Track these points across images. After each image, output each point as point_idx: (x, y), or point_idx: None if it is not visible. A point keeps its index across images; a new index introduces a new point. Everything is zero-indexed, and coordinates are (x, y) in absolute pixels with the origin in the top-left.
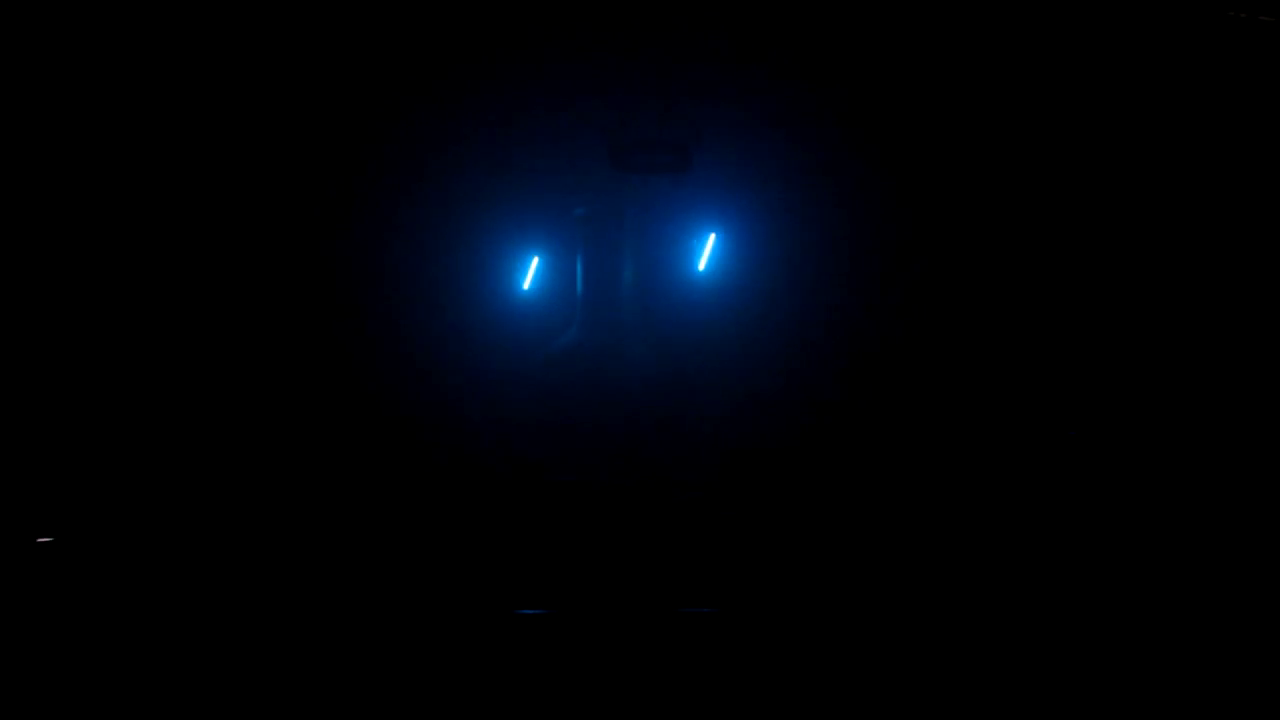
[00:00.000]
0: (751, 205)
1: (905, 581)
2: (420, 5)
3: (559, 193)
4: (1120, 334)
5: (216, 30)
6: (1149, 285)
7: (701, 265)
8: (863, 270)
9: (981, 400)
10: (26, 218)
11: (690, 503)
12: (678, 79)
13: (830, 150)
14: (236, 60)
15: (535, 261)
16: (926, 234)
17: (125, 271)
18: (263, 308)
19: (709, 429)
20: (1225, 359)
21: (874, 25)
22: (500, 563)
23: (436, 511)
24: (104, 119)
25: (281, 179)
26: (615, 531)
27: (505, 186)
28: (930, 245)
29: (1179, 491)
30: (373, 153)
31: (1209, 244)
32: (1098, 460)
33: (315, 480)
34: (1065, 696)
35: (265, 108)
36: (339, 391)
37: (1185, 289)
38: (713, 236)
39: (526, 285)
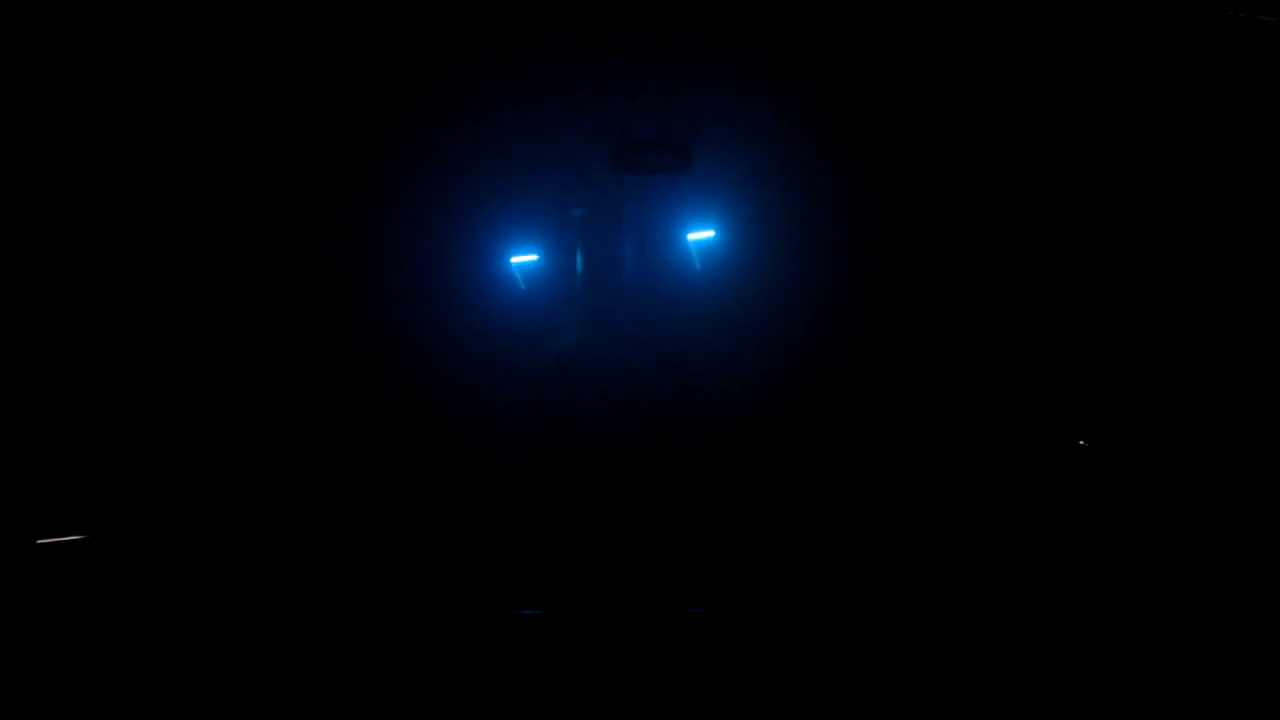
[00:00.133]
0: (751, 204)
1: (904, 582)
2: (420, 5)
3: (558, 193)
4: (1119, 334)
5: (216, 30)
6: (1149, 286)
7: (698, 265)
8: (863, 270)
9: (981, 401)
10: (26, 219)
11: (689, 503)
12: (678, 79)
13: (830, 149)
14: (235, 60)
15: (535, 262)
16: (926, 234)
17: (123, 272)
18: (261, 307)
19: (708, 428)
20: (1225, 360)
21: (874, 25)
22: (499, 562)
23: (435, 511)
24: (97, 119)
25: (279, 178)
26: (614, 531)
27: (505, 186)
28: (930, 245)
29: (1178, 492)
30: (371, 152)
31: (1209, 244)
32: (1096, 461)
33: (313, 479)
34: (1065, 696)
35: (264, 107)
36: (337, 391)
37: (1185, 289)
38: (712, 235)
39: (524, 285)
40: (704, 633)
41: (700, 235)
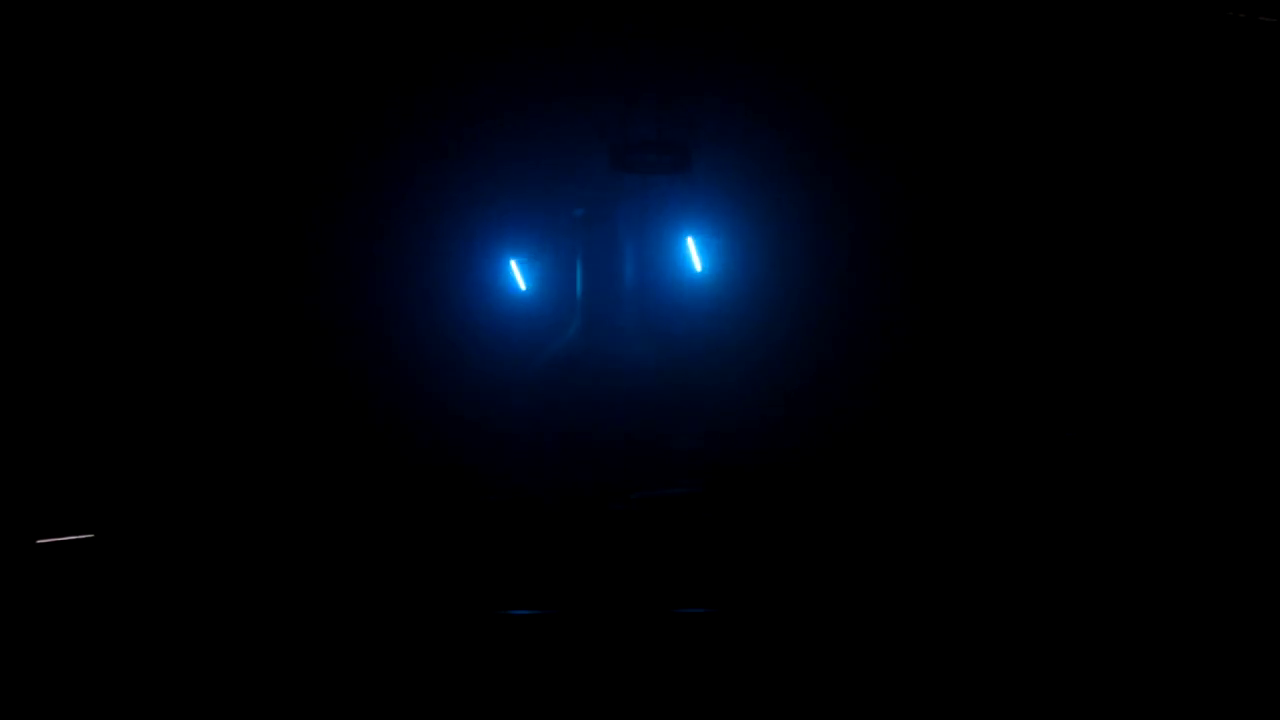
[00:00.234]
0: (751, 204)
1: (903, 582)
2: (420, 5)
3: (558, 193)
4: (1119, 335)
5: (214, 29)
6: (1148, 286)
7: (699, 266)
8: (862, 270)
9: (980, 400)
10: (26, 221)
11: (689, 502)
12: (678, 79)
13: (831, 149)
14: (234, 59)
15: (535, 262)
16: (926, 233)
17: (120, 274)
18: (260, 309)
19: (708, 428)
20: (1225, 359)
21: (875, 25)
22: (498, 563)
23: (434, 512)
24: (95, 120)
25: (279, 179)
26: (614, 531)
27: (504, 187)
28: (930, 244)
29: (1178, 492)
30: (371, 153)
31: (1209, 244)
32: (1095, 461)
33: (312, 480)
34: (1065, 696)
35: (264, 108)
36: (337, 391)
37: (1185, 289)
38: (712, 236)
39: (524, 285)
40: (704, 633)
41: (700, 236)
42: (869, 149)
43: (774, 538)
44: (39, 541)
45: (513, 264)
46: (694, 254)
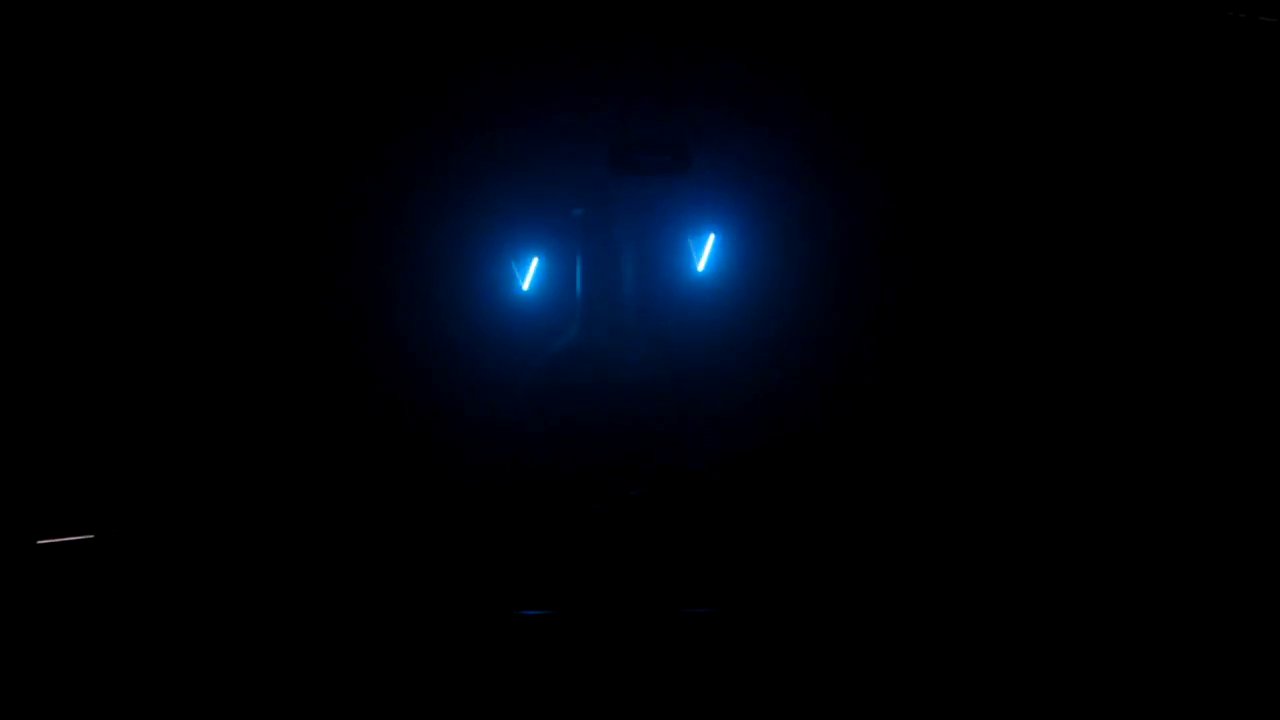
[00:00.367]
0: (751, 205)
1: (903, 581)
2: (420, 6)
3: (558, 193)
4: (1119, 335)
5: (215, 31)
6: (1148, 286)
7: (701, 265)
8: (862, 269)
9: (980, 400)
10: (32, 221)
11: (688, 502)
12: (677, 79)
13: (831, 149)
14: (233, 59)
15: (535, 262)
16: (927, 234)
17: (121, 273)
18: (260, 309)
19: (709, 428)
20: (1224, 359)
21: (875, 25)
22: (500, 563)
23: (434, 512)
24: (100, 123)
25: (278, 179)
26: (614, 531)
27: (504, 187)
28: (931, 245)
29: (1177, 492)
30: (370, 153)
31: (1208, 244)
32: (1095, 461)
33: (312, 482)
34: (1065, 696)
35: (264, 109)
36: (337, 392)
37: (1184, 290)
38: (712, 236)
39: (525, 285)
40: (704, 633)
41: (700, 236)
42: (869, 149)
43: (773, 537)
44: (39, 542)
45: (512, 264)
46: (694, 254)
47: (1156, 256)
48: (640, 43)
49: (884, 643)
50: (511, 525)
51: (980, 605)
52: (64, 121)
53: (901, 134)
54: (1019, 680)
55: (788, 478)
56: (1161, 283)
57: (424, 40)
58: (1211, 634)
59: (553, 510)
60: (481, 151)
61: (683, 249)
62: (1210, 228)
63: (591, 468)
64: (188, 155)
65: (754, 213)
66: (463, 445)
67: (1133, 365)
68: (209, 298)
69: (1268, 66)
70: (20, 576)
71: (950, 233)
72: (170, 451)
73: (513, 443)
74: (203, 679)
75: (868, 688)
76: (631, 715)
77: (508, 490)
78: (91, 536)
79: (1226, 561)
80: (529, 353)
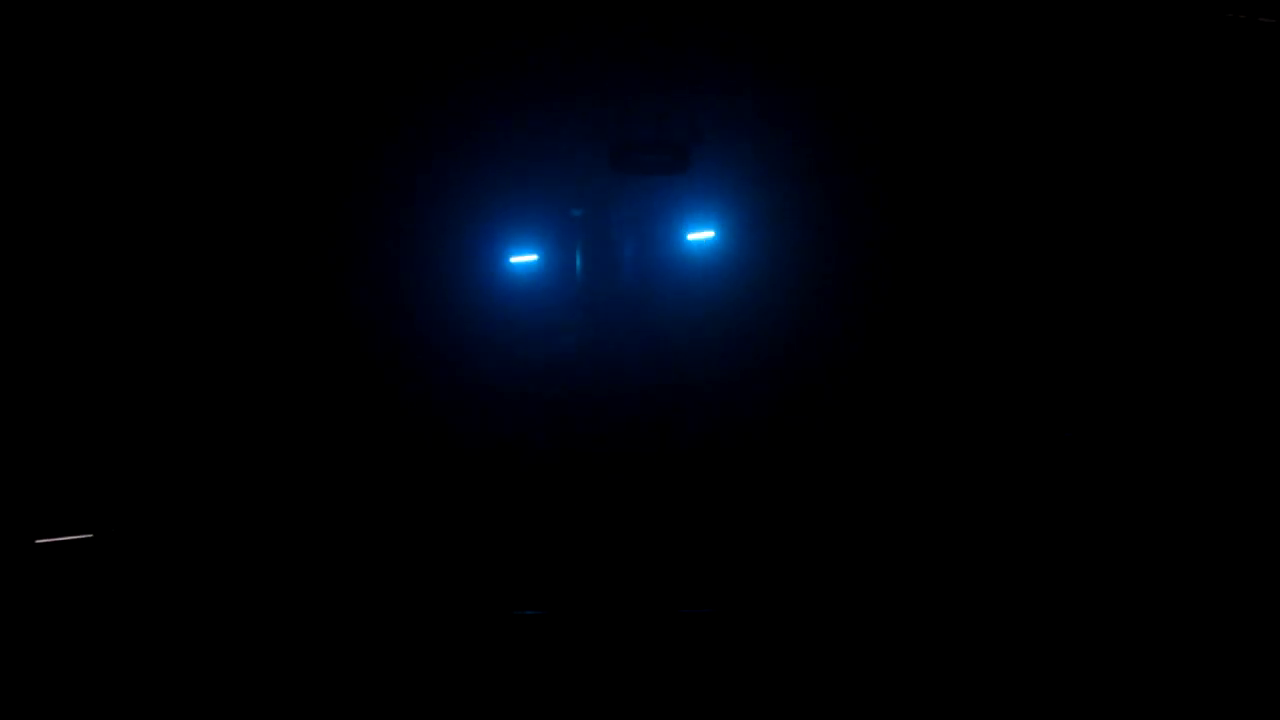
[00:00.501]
0: (751, 205)
1: (902, 581)
2: (420, 5)
3: (557, 193)
4: (1119, 335)
5: (215, 30)
6: (1148, 286)
7: (698, 266)
8: (862, 269)
9: (979, 400)
10: (33, 221)
11: (688, 502)
12: (678, 79)
13: (830, 149)
14: (235, 60)
15: (535, 262)
16: (926, 233)
17: (121, 273)
18: (260, 309)
19: (708, 428)
20: (1224, 360)
21: (875, 24)
22: (498, 562)
23: (434, 511)
24: (98, 123)
25: (278, 179)
26: (613, 531)
27: (505, 186)
28: (930, 244)
29: (1177, 492)
30: (370, 153)
31: (1208, 245)
32: (1094, 461)
33: (312, 479)
34: (1064, 697)
35: (264, 108)
36: (337, 391)
37: (1184, 290)
38: (711, 236)
39: (523, 285)
40: (702, 633)
41: (699, 236)
42: (869, 148)
43: (773, 536)
44: (38, 541)
45: (512, 264)
46: (693, 254)
47: (1156, 257)
48: (641, 42)
49: (883, 643)
50: (508, 524)
51: (979, 604)
52: (65, 123)
53: (903, 134)
54: (1019, 680)
55: (786, 477)
56: (1161, 283)
57: (424, 41)
58: (1211, 634)
59: (550, 509)
60: (481, 152)
61: (682, 248)
62: (1210, 228)
63: (589, 467)
64: (189, 155)
65: (753, 213)
66: (461, 445)
67: (1132, 366)
68: (207, 298)
69: (1267, 68)
70: (19, 576)
71: (950, 234)
72: (169, 451)
73: (510, 441)
74: (202, 677)
75: (867, 687)
76: (631, 715)
77: (505, 489)
78: (90, 536)
79: (1226, 562)
80: (527, 352)
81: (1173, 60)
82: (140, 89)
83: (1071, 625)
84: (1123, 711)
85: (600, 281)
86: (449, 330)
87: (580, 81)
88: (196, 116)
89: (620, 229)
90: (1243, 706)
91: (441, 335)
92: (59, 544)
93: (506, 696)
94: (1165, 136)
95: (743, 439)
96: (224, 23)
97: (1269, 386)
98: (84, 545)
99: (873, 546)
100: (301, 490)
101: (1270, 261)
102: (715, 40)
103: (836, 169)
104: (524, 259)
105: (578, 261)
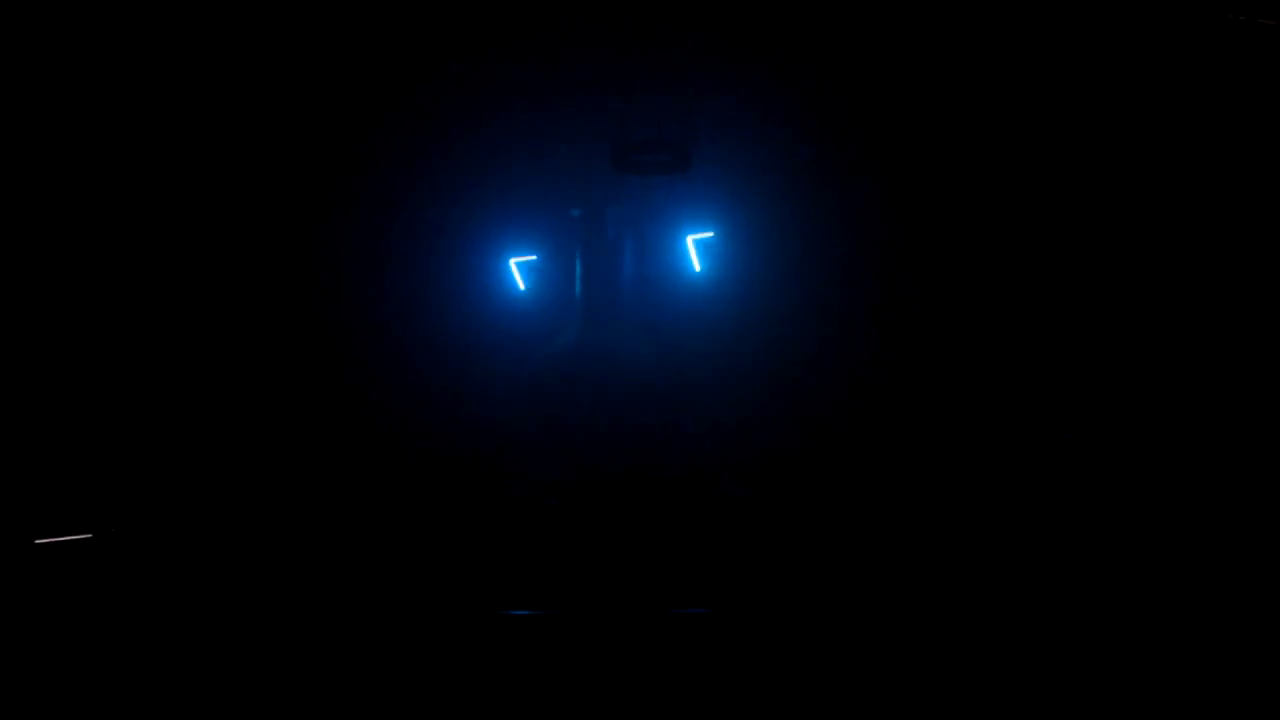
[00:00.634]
0: (751, 205)
1: (902, 581)
2: (420, 4)
3: (558, 193)
4: (1118, 336)
5: (215, 29)
6: (1148, 287)
7: (698, 266)
8: (862, 270)
9: (980, 401)
10: (27, 223)
11: (687, 503)
12: (678, 79)
13: (831, 149)
14: (234, 59)
15: (535, 262)
16: (926, 234)
17: (121, 273)
18: (260, 309)
19: (708, 428)
20: (1223, 361)
21: (876, 24)
22: (498, 563)
23: (434, 512)
24: (97, 122)
25: (278, 179)
26: (612, 531)
27: (505, 186)
28: (930, 245)
29: (1176, 493)
30: (371, 153)
31: (1208, 245)
32: (1093, 462)
33: (311, 480)
34: (1064, 697)
35: (263, 108)
36: (336, 391)
37: (1184, 291)
38: (712, 236)
39: (522, 285)
40: (701, 634)
41: (700, 236)
42: (869, 148)
43: (772, 536)
44: (37, 541)
45: (513, 264)
46: (693, 254)
47: (1156, 258)
48: (641, 42)
49: (882, 643)
50: (507, 525)
51: (979, 605)
52: (63, 124)
53: (903, 134)
54: (1018, 680)
55: (786, 478)
56: (1161, 284)
57: (424, 41)
58: (1211, 634)
59: (549, 509)
60: (482, 152)
61: (682, 248)
62: (1210, 229)
63: (588, 467)
64: (187, 155)
65: (754, 213)
66: (461, 444)
67: (1131, 367)
68: (207, 299)
69: (1268, 69)
70: (19, 576)
71: (951, 235)
72: (169, 451)
73: (510, 441)
74: (202, 677)
75: (868, 687)
76: (629, 715)
77: (504, 489)
78: (89, 536)
79: (1225, 562)
80: (527, 352)
81: (1174, 62)
82: (140, 89)
83: (1071, 625)
84: (1123, 711)
85: (600, 281)
86: (449, 330)
87: (581, 81)
88: (196, 116)
89: (620, 229)
90: (1243, 706)
91: (441, 335)
92: (58, 544)
93: (501, 696)
94: (1167, 138)
95: (742, 439)
96: (224, 23)
97: (1269, 387)
98: (83, 545)
99: (872, 546)
100: (300, 490)
101: (1270, 262)
102: (716, 40)
103: (837, 169)
104: (524, 259)
105: (578, 261)
